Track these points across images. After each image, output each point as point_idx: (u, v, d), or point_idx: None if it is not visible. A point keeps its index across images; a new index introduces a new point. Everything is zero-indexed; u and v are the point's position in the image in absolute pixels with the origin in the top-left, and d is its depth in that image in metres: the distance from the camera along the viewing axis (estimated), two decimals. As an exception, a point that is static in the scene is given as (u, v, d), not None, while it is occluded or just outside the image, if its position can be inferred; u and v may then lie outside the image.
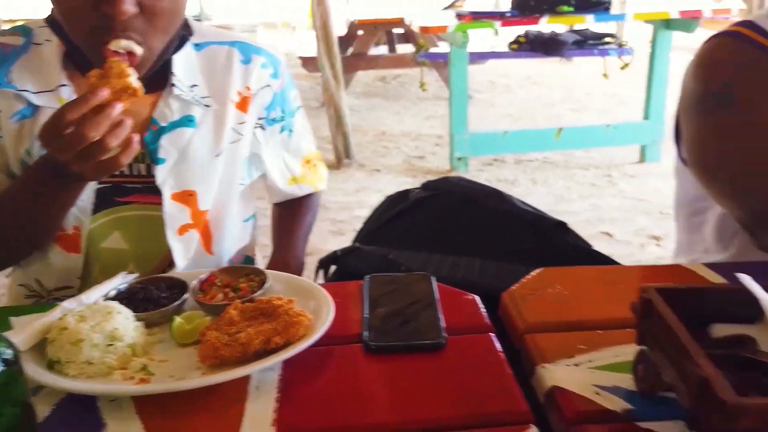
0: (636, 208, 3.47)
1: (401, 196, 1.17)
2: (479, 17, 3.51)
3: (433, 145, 4.80)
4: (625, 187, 3.79)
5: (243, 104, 1.02)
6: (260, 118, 1.05)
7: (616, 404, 0.63)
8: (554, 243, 1.04)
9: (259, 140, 1.06)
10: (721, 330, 0.61)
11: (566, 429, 0.61)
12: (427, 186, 1.16)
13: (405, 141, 4.92)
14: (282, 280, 0.82)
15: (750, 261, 1.00)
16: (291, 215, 1.20)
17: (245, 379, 0.67)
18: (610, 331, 0.74)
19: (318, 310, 0.74)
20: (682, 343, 0.53)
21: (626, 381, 0.66)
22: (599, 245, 3.02)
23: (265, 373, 0.68)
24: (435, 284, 0.84)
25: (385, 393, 0.67)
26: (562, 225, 1.07)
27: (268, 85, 1.04)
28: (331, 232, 3.28)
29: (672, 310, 0.59)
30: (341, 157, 4.23)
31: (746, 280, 0.61)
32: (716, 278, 0.87)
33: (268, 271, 0.81)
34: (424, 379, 0.68)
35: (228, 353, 0.65)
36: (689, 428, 0.54)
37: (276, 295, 0.74)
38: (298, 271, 1.13)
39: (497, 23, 3.47)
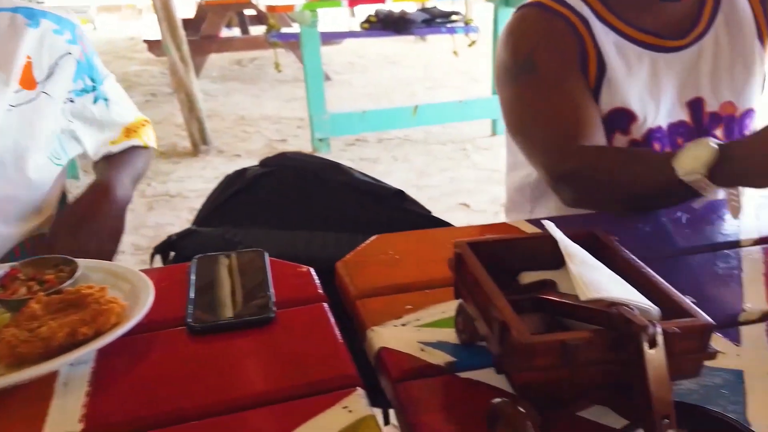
0: (490, 178, 3.65)
1: (239, 175, 1.13)
2: (326, -4, 3.50)
3: (295, 128, 4.75)
4: (479, 160, 3.97)
5: (31, 71, 0.93)
6: (68, 91, 0.97)
7: (440, 358, 0.64)
8: (393, 211, 1.05)
9: (71, 115, 0.98)
10: (527, 277, 0.64)
11: (392, 387, 0.62)
12: (264, 163, 1.13)
13: (266, 124, 4.83)
14: (97, 269, 0.76)
15: (569, 215, 1.07)
16: (117, 157, 1.11)
17: (51, 377, 0.61)
18: (437, 290, 0.76)
19: (135, 296, 0.69)
20: (486, 292, 0.55)
21: (450, 335, 0.67)
22: (458, 215, 3.13)
23: (75, 368, 0.63)
24: (267, 259, 0.82)
25: (211, 374, 0.64)
26: (400, 193, 1.09)
27: (69, 53, 0.96)
28: (190, 221, 3.16)
29: (484, 262, 0.62)
30: (197, 143, 4.07)
31: (550, 226, 0.65)
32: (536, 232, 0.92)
33: (80, 260, 0.75)
34: (254, 355, 0.66)
35: (27, 350, 0.59)
36: (497, 372, 0.56)
37: (87, 284, 0.69)
38: (124, 201, 1.02)
39: (344, 2, 3.47)
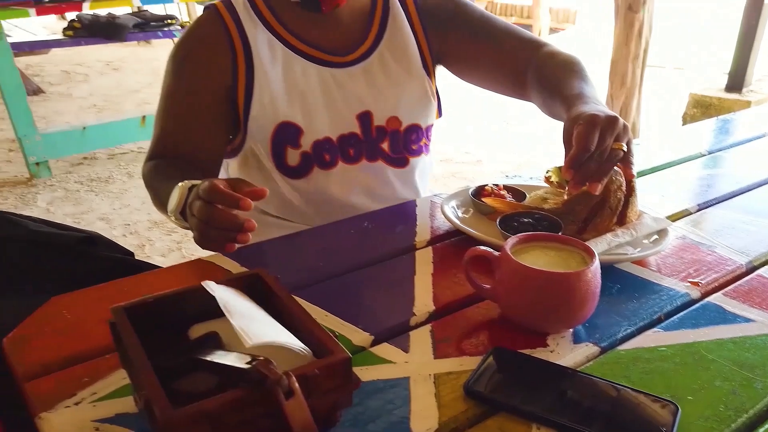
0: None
1: None
2: (8, 5, 3.07)
3: (7, 152, 4.19)
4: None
5: None
6: None
7: (121, 434, 0.60)
8: (78, 262, 0.96)
9: None
10: (197, 330, 0.62)
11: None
12: None
13: (-36, 152, 4.18)
14: None
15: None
16: None
17: None
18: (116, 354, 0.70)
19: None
20: (134, 363, 0.52)
21: (130, 404, 0.63)
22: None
23: None
24: None
25: None
26: (88, 240, 0.99)
27: None
28: None
29: (152, 321, 0.59)
30: None
31: (209, 286, 0.62)
32: (237, 267, 0.90)
33: None
34: None
35: None
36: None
37: None
38: None
39: (32, 10, 3.09)
